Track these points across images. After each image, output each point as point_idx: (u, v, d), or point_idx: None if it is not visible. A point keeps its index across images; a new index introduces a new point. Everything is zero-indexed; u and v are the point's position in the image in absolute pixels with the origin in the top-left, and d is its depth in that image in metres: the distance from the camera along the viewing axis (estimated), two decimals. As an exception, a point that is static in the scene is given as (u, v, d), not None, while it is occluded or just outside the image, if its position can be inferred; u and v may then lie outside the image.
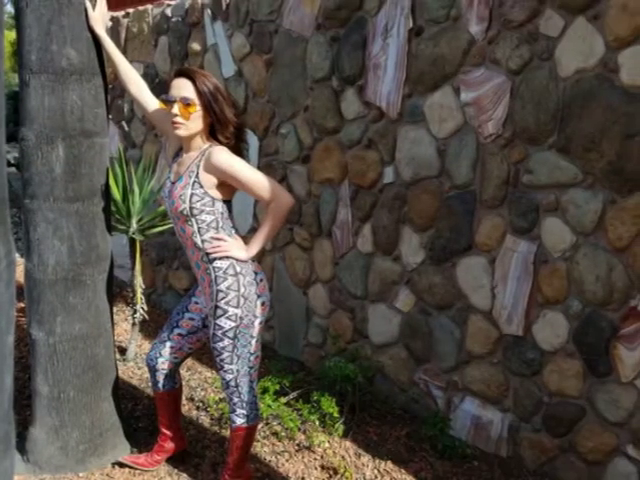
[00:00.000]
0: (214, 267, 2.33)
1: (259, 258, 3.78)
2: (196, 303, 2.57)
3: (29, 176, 2.55)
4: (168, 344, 2.62)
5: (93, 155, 2.61)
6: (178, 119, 2.25)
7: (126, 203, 3.58)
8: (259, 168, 3.68)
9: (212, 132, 2.34)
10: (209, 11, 4.06)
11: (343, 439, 3.07)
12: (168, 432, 2.77)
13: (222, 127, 2.30)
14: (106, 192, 2.72)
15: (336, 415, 3.05)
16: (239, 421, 2.48)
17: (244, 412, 2.46)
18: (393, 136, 3.17)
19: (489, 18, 2.71)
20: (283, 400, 3.19)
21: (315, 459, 2.92)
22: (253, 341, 2.40)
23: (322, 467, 2.87)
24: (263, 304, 2.40)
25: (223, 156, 2.26)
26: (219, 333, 2.35)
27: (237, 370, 2.41)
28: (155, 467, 2.79)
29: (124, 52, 4.72)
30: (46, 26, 2.43)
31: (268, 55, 3.74)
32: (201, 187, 2.27)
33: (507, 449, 2.97)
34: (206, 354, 3.82)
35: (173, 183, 2.36)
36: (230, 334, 2.34)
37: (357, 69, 3.25)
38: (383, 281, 3.36)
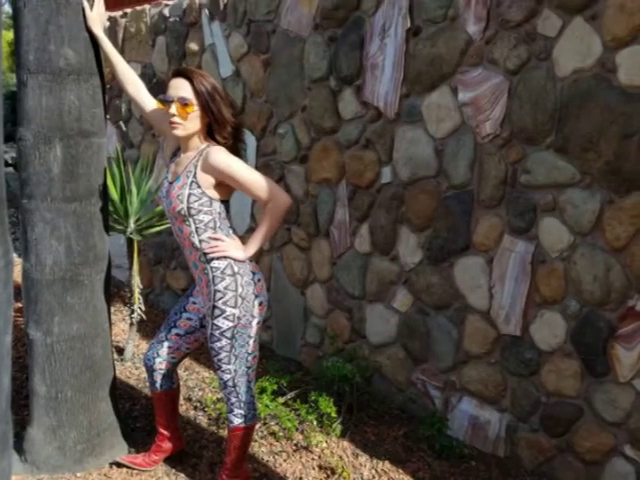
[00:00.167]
0: (212, 267, 2.33)
1: (257, 258, 3.77)
2: (194, 303, 2.57)
3: (27, 176, 2.55)
4: (166, 344, 2.61)
5: (91, 155, 2.60)
6: (176, 119, 2.25)
7: (124, 203, 3.58)
8: (257, 168, 3.68)
9: (210, 132, 2.34)
10: (207, 11, 4.05)
11: (341, 439, 3.07)
12: (166, 432, 2.77)
13: (220, 127, 2.30)
14: (104, 192, 2.72)
15: (334, 415, 3.05)
16: (237, 421, 2.48)
17: (242, 412, 2.46)
18: (391, 136, 3.17)
19: (487, 18, 2.71)
20: (281, 400, 3.19)
21: (313, 459, 2.92)
22: (251, 341, 2.40)
23: (320, 467, 2.87)
24: (261, 304, 2.40)
25: (221, 156, 2.26)
26: (217, 333, 2.35)
27: (235, 370, 2.41)
28: (153, 467, 2.78)
29: (122, 52, 4.71)
30: (44, 26, 2.42)
31: (266, 55, 3.74)
32: (199, 187, 2.27)
33: (505, 449, 2.97)
34: (204, 354, 3.82)
35: (171, 183, 2.36)
36: (228, 334, 2.34)
37: (355, 69, 3.25)
38: (381, 281, 3.36)
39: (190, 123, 2.27)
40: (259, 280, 2.41)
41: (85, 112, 2.56)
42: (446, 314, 3.09)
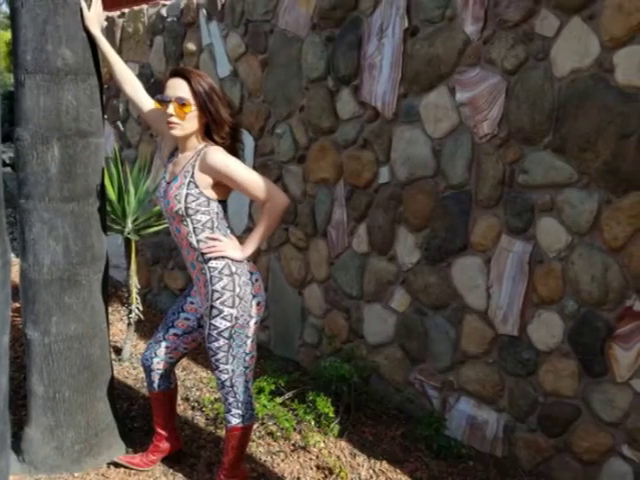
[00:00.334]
0: (209, 267, 2.33)
1: (254, 258, 3.77)
2: (191, 303, 2.57)
3: (24, 176, 2.55)
4: (163, 344, 2.61)
5: (88, 155, 2.60)
6: (173, 119, 2.25)
7: (121, 203, 3.58)
8: (254, 168, 3.68)
9: (207, 132, 2.34)
10: (204, 11, 4.05)
11: (338, 439, 3.07)
12: (163, 432, 2.77)
13: (217, 127, 2.30)
14: (101, 192, 2.72)
15: (331, 415, 3.05)
16: (234, 421, 2.47)
17: (239, 412, 2.46)
18: (388, 136, 3.17)
19: (484, 18, 2.72)
20: (278, 400, 3.19)
21: (310, 459, 2.92)
22: (248, 341, 2.40)
23: (317, 467, 2.87)
24: (258, 304, 2.40)
25: (218, 156, 2.26)
26: (214, 333, 2.35)
27: (232, 370, 2.40)
28: (150, 467, 2.78)
29: (119, 52, 4.71)
30: (41, 26, 2.42)
31: (263, 55, 3.74)
32: (196, 187, 2.27)
33: (502, 449, 2.97)
34: (201, 354, 3.82)
35: (168, 183, 2.36)
36: (225, 334, 2.34)
37: (352, 69, 3.25)
38: (378, 281, 3.36)
39: (188, 123, 2.27)
40: (257, 280, 2.40)
41: (83, 112, 2.56)
42: (444, 314, 3.09)
